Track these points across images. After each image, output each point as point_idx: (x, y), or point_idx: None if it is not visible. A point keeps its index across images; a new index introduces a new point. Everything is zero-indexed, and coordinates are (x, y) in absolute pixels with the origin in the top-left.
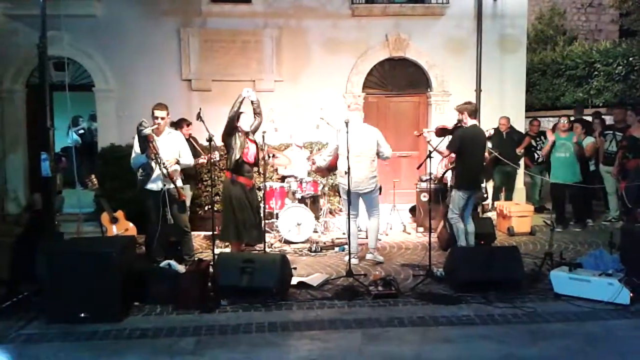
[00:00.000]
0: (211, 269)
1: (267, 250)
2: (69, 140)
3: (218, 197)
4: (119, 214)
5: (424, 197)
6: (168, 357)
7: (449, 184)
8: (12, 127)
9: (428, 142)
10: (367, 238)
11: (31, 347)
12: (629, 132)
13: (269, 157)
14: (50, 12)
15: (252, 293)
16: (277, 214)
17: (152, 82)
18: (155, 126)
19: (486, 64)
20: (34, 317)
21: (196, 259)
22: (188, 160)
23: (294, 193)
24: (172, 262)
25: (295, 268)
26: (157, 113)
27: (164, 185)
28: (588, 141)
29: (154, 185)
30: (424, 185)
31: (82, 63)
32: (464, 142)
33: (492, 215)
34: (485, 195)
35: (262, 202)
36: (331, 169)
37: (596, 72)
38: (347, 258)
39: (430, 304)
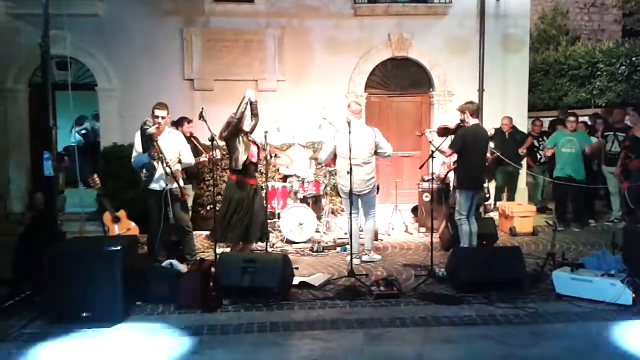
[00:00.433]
0: (213, 269)
1: (269, 250)
2: (71, 140)
3: (220, 197)
4: (121, 213)
5: (426, 197)
6: (170, 357)
7: (451, 185)
8: (15, 127)
9: (430, 142)
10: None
11: (33, 346)
12: (631, 132)
13: (271, 157)
14: (53, 11)
15: (253, 293)
16: (279, 213)
17: (154, 82)
18: (157, 125)
19: (489, 64)
20: (36, 317)
21: (198, 258)
22: (189, 159)
23: (295, 193)
24: (174, 261)
25: (297, 268)
26: (158, 112)
27: (166, 184)
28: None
29: (156, 185)
30: (426, 185)
31: (85, 62)
32: (466, 142)
33: (494, 215)
34: (487, 196)
35: (265, 202)
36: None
37: (599, 72)
38: (348, 258)
39: (432, 304)
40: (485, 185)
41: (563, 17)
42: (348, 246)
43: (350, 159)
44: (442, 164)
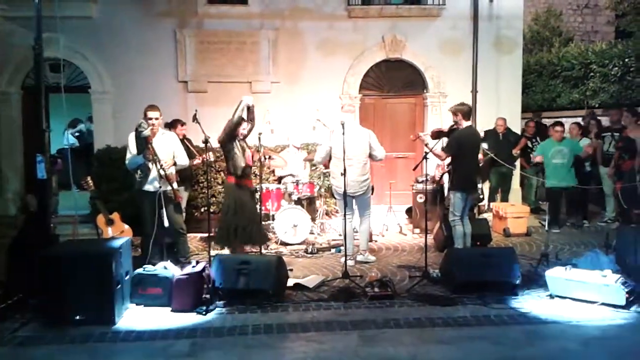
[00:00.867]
0: (207, 271)
1: (263, 251)
2: (64, 142)
3: (214, 199)
4: (115, 215)
5: (420, 199)
6: (164, 359)
7: (445, 186)
8: (8, 129)
9: (426, 145)
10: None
11: (27, 350)
12: (625, 133)
13: (265, 158)
14: (46, 13)
15: (248, 295)
16: (273, 215)
17: (148, 84)
18: (151, 127)
19: (482, 65)
20: (30, 320)
21: (192, 260)
22: (183, 160)
23: (290, 195)
24: (168, 264)
25: (291, 270)
26: (151, 114)
27: (160, 186)
28: (584, 142)
29: (150, 186)
30: (420, 186)
31: (78, 65)
32: (460, 144)
33: (488, 216)
34: (481, 197)
35: (259, 203)
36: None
37: (592, 74)
38: (343, 259)
39: (426, 305)
40: (479, 186)
41: (556, 19)
42: (342, 248)
43: (344, 160)
44: (437, 167)
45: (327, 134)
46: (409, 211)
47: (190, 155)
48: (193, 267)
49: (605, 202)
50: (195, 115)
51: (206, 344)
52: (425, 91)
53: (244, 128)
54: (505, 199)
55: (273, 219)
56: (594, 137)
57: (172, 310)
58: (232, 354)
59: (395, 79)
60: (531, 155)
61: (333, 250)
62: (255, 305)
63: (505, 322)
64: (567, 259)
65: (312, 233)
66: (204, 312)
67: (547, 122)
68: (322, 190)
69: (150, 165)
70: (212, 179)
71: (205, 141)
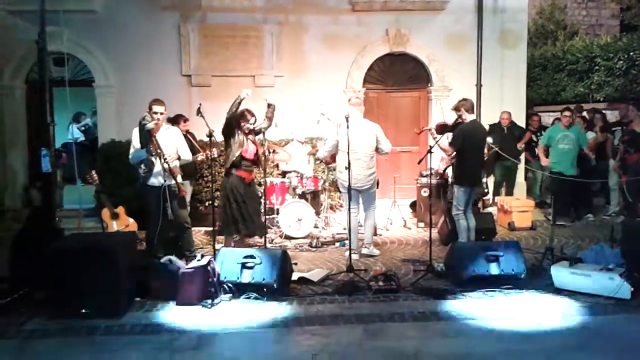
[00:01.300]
0: (212, 265)
1: (268, 245)
2: (69, 136)
3: (218, 193)
4: (120, 209)
5: (425, 193)
6: (169, 352)
7: (449, 180)
8: (12, 123)
9: (434, 138)
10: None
11: (32, 343)
12: (630, 126)
13: (269, 152)
14: (50, 7)
15: (253, 288)
16: (277, 209)
17: (152, 78)
18: (156, 121)
19: (487, 59)
20: (35, 313)
21: (197, 254)
22: (187, 156)
23: (294, 188)
24: (173, 257)
25: (296, 263)
26: (157, 108)
27: (165, 180)
28: (589, 136)
29: (155, 181)
30: (424, 180)
31: (82, 59)
32: (466, 138)
33: (492, 210)
34: (485, 191)
35: (263, 197)
36: (331, 162)
37: (597, 67)
38: (347, 253)
39: (431, 298)
40: (484, 180)
41: (561, 12)
42: (347, 241)
43: (348, 153)
44: (441, 160)
45: (333, 128)
46: (413, 205)
47: (194, 151)
48: (198, 260)
49: (610, 195)
50: (199, 109)
51: (211, 338)
52: (429, 85)
53: (248, 122)
54: (510, 192)
55: (277, 213)
56: (599, 130)
57: (177, 304)
58: (237, 347)
59: (399, 73)
60: (536, 149)
61: (337, 244)
62: (260, 298)
63: (510, 316)
64: (572, 253)
65: (317, 227)
66: (209, 306)
67: (552, 115)
68: (327, 184)
69: (153, 159)
70: (217, 173)
71: (210, 135)
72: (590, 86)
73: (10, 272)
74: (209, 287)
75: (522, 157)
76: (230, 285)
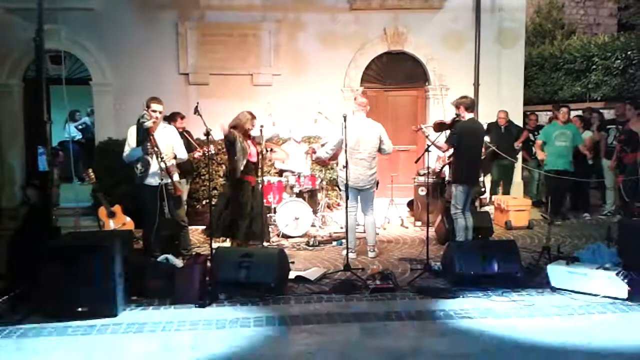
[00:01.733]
0: (209, 263)
1: (265, 244)
2: (65, 135)
3: (216, 192)
4: (117, 208)
5: (422, 191)
6: (166, 351)
7: (446, 179)
8: (9, 121)
9: (427, 137)
10: (364, 232)
11: (28, 342)
12: (627, 125)
13: (266, 151)
14: (47, 5)
15: (250, 287)
16: (274, 208)
17: (149, 76)
18: (154, 119)
19: (484, 58)
20: (31, 312)
21: (193, 253)
22: (182, 154)
23: (291, 187)
24: (170, 256)
25: (293, 262)
26: (156, 107)
27: (162, 179)
28: (586, 135)
29: (152, 180)
30: (421, 179)
31: (79, 57)
32: (463, 136)
33: (489, 209)
34: (483, 190)
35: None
36: (332, 159)
37: (594, 66)
38: (344, 252)
39: (428, 298)
40: (481, 179)
41: (558, 11)
42: (344, 240)
43: (346, 152)
44: (438, 159)
45: (339, 126)
46: (410, 204)
47: (190, 149)
48: (195, 259)
49: (606, 194)
50: (196, 107)
51: (208, 337)
52: (427, 84)
53: (254, 127)
54: (507, 191)
55: (274, 212)
56: (596, 129)
57: (174, 303)
58: (234, 346)
59: (397, 72)
60: (534, 147)
61: (334, 243)
62: (257, 297)
63: (507, 315)
64: (568, 252)
65: (314, 226)
66: (205, 305)
67: (550, 114)
68: (324, 183)
69: (150, 158)
70: (214, 172)
71: (207, 133)
72: (588, 85)
73: (6, 270)
74: (205, 286)
75: (519, 156)
76: (227, 283)
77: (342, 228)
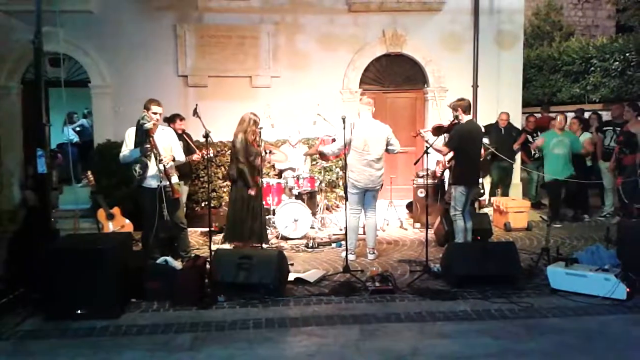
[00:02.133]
0: (208, 265)
1: (264, 246)
2: (64, 137)
3: (215, 194)
4: (115, 210)
5: (421, 193)
6: (165, 353)
7: (445, 181)
8: (8, 124)
9: (426, 141)
10: (364, 234)
11: (28, 344)
12: (626, 127)
13: (265, 153)
14: (46, 7)
15: (249, 289)
16: (273, 210)
17: (148, 78)
18: (154, 121)
19: (483, 60)
20: (31, 314)
21: (193, 255)
22: (180, 157)
23: (290, 189)
24: (169, 258)
25: (292, 264)
26: (156, 109)
27: (161, 181)
28: (585, 137)
29: (151, 182)
30: (420, 181)
31: (78, 59)
32: (462, 138)
33: (488, 211)
34: (482, 191)
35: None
36: (335, 157)
37: (593, 68)
38: (344, 254)
39: (427, 299)
40: (480, 181)
41: (557, 13)
42: (343, 242)
43: (345, 154)
44: (437, 163)
45: (348, 126)
46: (409, 206)
47: (190, 151)
48: (194, 261)
49: (605, 196)
50: (195, 109)
51: (207, 338)
52: (425, 86)
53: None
54: (506, 193)
55: (274, 214)
56: (595, 131)
57: (173, 304)
58: (233, 348)
59: (395, 74)
60: (532, 151)
61: (334, 245)
62: (257, 299)
63: (506, 317)
64: (567, 254)
65: (313, 227)
66: (205, 307)
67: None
68: (323, 184)
69: (148, 160)
70: (213, 174)
71: (206, 135)
72: (586, 87)
73: (6, 272)
74: (204, 288)
75: (518, 157)
76: (226, 285)
77: (341, 230)
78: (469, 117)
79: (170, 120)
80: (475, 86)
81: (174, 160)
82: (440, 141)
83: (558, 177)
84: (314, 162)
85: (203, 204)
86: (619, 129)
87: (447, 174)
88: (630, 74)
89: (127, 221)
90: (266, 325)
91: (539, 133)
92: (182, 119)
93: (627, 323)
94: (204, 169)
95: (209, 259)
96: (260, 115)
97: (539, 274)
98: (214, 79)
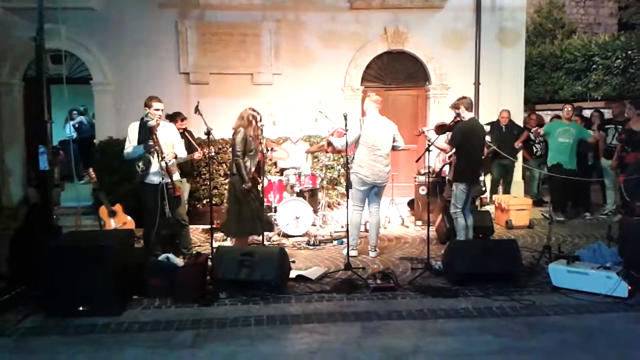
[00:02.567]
0: (209, 262)
1: (266, 243)
2: (66, 134)
3: (216, 191)
4: (117, 207)
5: (422, 191)
6: (167, 350)
7: (446, 178)
8: (10, 121)
9: (428, 140)
10: (366, 232)
11: (30, 341)
12: (628, 125)
13: (267, 150)
14: (48, 4)
15: (251, 286)
16: (275, 207)
17: (150, 75)
18: (157, 118)
19: (485, 57)
20: (33, 311)
21: (194, 252)
22: (182, 153)
23: (292, 186)
24: (171, 255)
25: (293, 261)
26: (158, 105)
27: (163, 178)
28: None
29: (153, 178)
30: (422, 178)
31: (80, 56)
32: (464, 136)
33: (490, 208)
34: (483, 189)
35: (261, 195)
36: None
37: (595, 66)
38: (345, 251)
39: (428, 297)
40: (481, 178)
41: (559, 11)
42: (344, 239)
43: (346, 151)
44: (438, 155)
45: (356, 122)
46: (411, 203)
47: (191, 149)
48: (195, 258)
49: (606, 194)
50: (197, 107)
51: (209, 335)
52: (427, 83)
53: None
54: (507, 191)
55: (275, 211)
56: (597, 129)
57: (175, 301)
58: (235, 345)
59: (397, 71)
60: (534, 147)
61: (335, 242)
62: (258, 296)
63: (508, 314)
64: (569, 251)
65: (314, 225)
66: (206, 304)
67: (549, 114)
68: (324, 182)
69: (151, 157)
70: (214, 171)
71: (208, 133)
72: (588, 85)
73: (8, 269)
74: (206, 285)
75: (520, 155)
76: (227, 282)
77: (342, 227)
78: (471, 114)
79: (171, 118)
80: (477, 84)
81: (176, 157)
82: (442, 139)
83: (561, 163)
84: (316, 160)
85: (205, 201)
86: (620, 127)
87: (447, 169)
88: (632, 71)
89: (129, 218)
90: (268, 323)
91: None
92: (183, 118)
93: (628, 321)
94: (205, 166)
95: (210, 256)
96: (262, 113)
97: (541, 271)
98: (215, 77)
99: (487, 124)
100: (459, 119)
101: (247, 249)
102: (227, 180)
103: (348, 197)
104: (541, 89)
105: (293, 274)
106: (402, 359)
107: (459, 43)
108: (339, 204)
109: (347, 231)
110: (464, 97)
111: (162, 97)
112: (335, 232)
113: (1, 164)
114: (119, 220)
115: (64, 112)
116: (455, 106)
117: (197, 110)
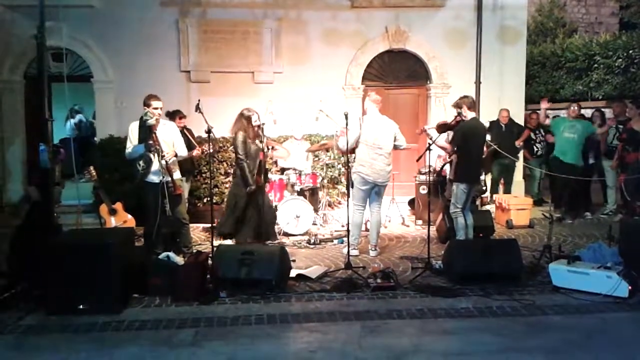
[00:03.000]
0: (210, 261)
1: (266, 242)
2: (68, 132)
3: (217, 189)
4: (118, 205)
5: (423, 190)
6: (167, 348)
7: (447, 177)
8: (11, 119)
9: (430, 139)
10: (367, 231)
11: (30, 339)
12: (629, 125)
13: (268, 149)
14: (49, 2)
15: (251, 285)
16: (276, 206)
17: (150, 73)
18: (157, 117)
19: (486, 56)
20: (33, 309)
21: (195, 250)
22: (182, 151)
23: (292, 185)
24: (171, 254)
25: (294, 260)
26: (157, 104)
27: (163, 177)
28: None
29: (154, 177)
30: (422, 177)
31: (81, 54)
32: (465, 136)
33: (490, 208)
34: (484, 188)
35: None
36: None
37: (596, 65)
38: (345, 250)
39: (429, 296)
40: (482, 177)
41: (560, 10)
42: (345, 239)
43: (347, 150)
44: (438, 157)
45: (357, 121)
46: (411, 202)
47: (190, 147)
48: (196, 257)
49: (607, 194)
50: (198, 105)
51: (209, 334)
52: (428, 82)
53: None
54: (508, 190)
55: (276, 210)
56: (599, 128)
57: (175, 300)
58: (235, 343)
59: (398, 70)
60: (535, 146)
61: (335, 242)
62: (258, 295)
63: (508, 314)
64: (570, 251)
65: (315, 224)
66: (207, 302)
67: (550, 113)
68: (325, 181)
69: (152, 155)
70: (215, 170)
71: (209, 131)
72: (589, 84)
73: (8, 267)
74: (206, 284)
75: (520, 154)
76: (228, 281)
77: (343, 226)
78: (473, 114)
79: (172, 115)
80: (478, 83)
81: (176, 155)
82: (443, 138)
83: (563, 158)
84: (316, 159)
85: (205, 200)
86: (621, 126)
87: (447, 168)
88: (633, 71)
89: (130, 216)
90: (268, 321)
91: (541, 130)
92: (182, 117)
93: (628, 321)
94: (206, 164)
95: (211, 255)
96: (263, 112)
97: (541, 271)
98: (216, 75)
99: (487, 123)
100: (460, 118)
101: (247, 247)
102: (227, 179)
103: (349, 197)
104: (542, 88)
105: (293, 273)
106: (402, 358)
107: (460, 42)
108: (339, 203)
109: (348, 230)
110: (465, 96)
111: (162, 95)
112: (336, 231)
113: (2, 161)
114: (120, 219)
115: (65, 110)
116: (457, 105)
117: (197, 108)
